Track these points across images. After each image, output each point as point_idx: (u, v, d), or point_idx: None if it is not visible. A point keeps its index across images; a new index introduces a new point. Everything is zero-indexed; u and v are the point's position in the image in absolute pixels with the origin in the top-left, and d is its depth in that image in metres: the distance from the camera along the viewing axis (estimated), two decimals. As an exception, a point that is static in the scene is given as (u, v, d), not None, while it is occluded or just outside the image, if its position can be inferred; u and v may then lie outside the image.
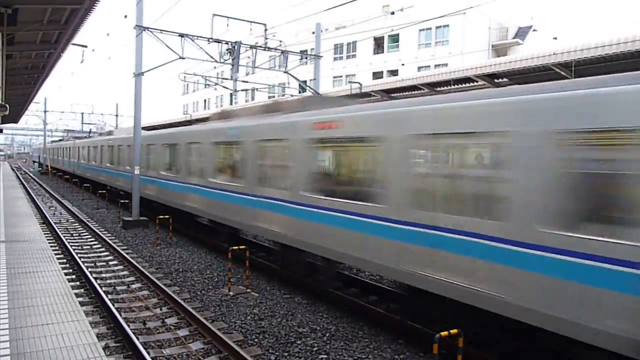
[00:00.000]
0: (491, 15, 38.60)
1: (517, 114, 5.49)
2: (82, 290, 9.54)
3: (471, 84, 19.35)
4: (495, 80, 18.66)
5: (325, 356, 6.74)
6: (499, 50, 38.40)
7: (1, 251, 8.25)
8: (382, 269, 7.30)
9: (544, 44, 29.06)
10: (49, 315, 5.26)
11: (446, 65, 33.16)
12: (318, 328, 7.76)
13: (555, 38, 26.80)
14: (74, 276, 10.50)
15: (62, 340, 4.62)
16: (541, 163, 5.22)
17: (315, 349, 6.97)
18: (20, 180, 35.51)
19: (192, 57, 17.77)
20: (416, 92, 21.74)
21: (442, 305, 6.64)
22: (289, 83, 33.12)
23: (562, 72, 15.95)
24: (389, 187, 7.03)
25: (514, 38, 39.54)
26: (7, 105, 16.59)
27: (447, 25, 37.00)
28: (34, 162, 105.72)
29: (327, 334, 7.52)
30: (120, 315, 7.86)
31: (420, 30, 38.32)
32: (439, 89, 20.72)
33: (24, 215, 12.81)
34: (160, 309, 8.60)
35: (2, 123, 43.37)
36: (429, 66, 37.15)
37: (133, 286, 10.04)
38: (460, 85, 19.84)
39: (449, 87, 20.12)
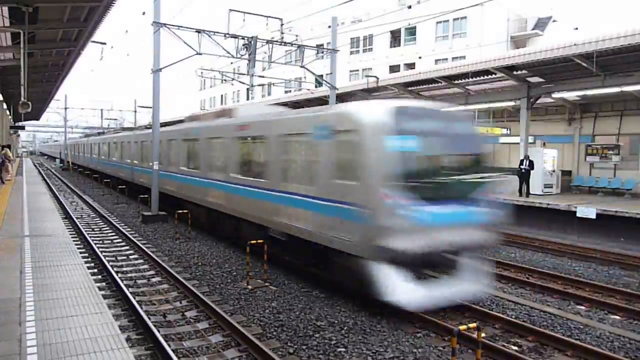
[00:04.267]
0: (510, 7, 37.98)
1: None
2: (104, 283, 9.70)
3: (489, 76, 19.12)
4: (515, 72, 18.40)
5: (344, 349, 6.76)
6: (518, 42, 37.77)
7: (26, 245, 8.44)
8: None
9: (565, 34, 28.51)
10: (73, 308, 5.37)
11: (464, 57, 32.78)
12: (336, 321, 7.79)
13: (577, 28, 26.29)
14: (96, 270, 10.68)
15: (86, 331, 4.71)
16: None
17: (333, 342, 7.00)
18: (42, 176, 36.19)
19: (209, 53, 17.88)
20: (433, 85, 21.57)
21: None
22: (305, 77, 33.12)
23: (584, 63, 15.66)
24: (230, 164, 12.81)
25: (533, 29, 38.83)
26: (29, 103, 16.90)
27: (465, 17, 36.53)
28: (41, 153, 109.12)
29: (345, 328, 7.55)
30: (142, 308, 7.99)
31: (437, 22, 37.91)
32: (456, 81, 20.50)
33: (46, 210, 13.06)
34: (180, 302, 8.72)
35: (24, 120, 44.26)
36: (446, 59, 36.77)
37: (153, 280, 10.19)
38: (478, 78, 19.62)
39: (467, 80, 19.91)
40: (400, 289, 7.58)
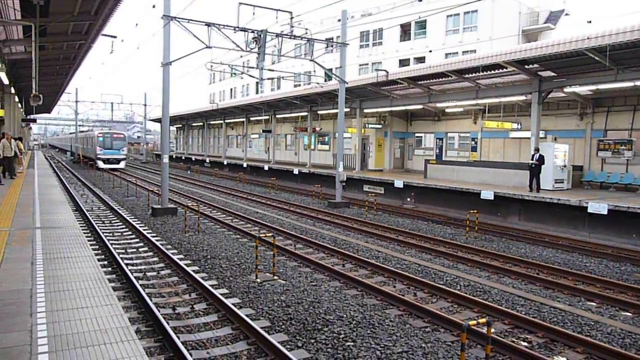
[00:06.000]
0: (521, 0, 37.54)
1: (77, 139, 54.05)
2: (114, 275, 9.78)
3: (500, 70, 18.91)
4: (526, 66, 18.19)
5: (352, 343, 6.76)
6: (530, 36, 37.35)
7: (37, 237, 8.50)
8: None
9: (577, 28, 28.11)
10: (83, 299, 5.40)
11: (474, 51, 32.48)
12: (344, 316, 7.78)
13: (590, 22, 25.85)
14: (106, 262, 10.76)
15: (96, 323, 4.74)
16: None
17: (342, 336, 6.99)
18: (53, 168, 36.49)
19: (219, 46, 17.86)
20: (443, 79, 21.40)
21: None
22: (314, 71, 33.01)
23: (596, 57, 15.44)
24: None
25: (545, 23, 38.36)
26: (41, 96, 16.98)
27: (476, 11, 36.16)
28: (51, 146, 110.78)
29: (354, 322, 7.54)
30: (151, 300, 8.04)
31: (447, 16, 37.56)
32: (467, 75, 20.32)
33: (57, 202, 13.14)
34: (189, 295, 8.76)
35: (36, 113, 44.64)
36: (457, 53, 36.46)
37: (163, 272, 10.25)
38: (489, 72, 19.42)
39: (477, 74, 19.72)
40: (101, 165, 40.58)
